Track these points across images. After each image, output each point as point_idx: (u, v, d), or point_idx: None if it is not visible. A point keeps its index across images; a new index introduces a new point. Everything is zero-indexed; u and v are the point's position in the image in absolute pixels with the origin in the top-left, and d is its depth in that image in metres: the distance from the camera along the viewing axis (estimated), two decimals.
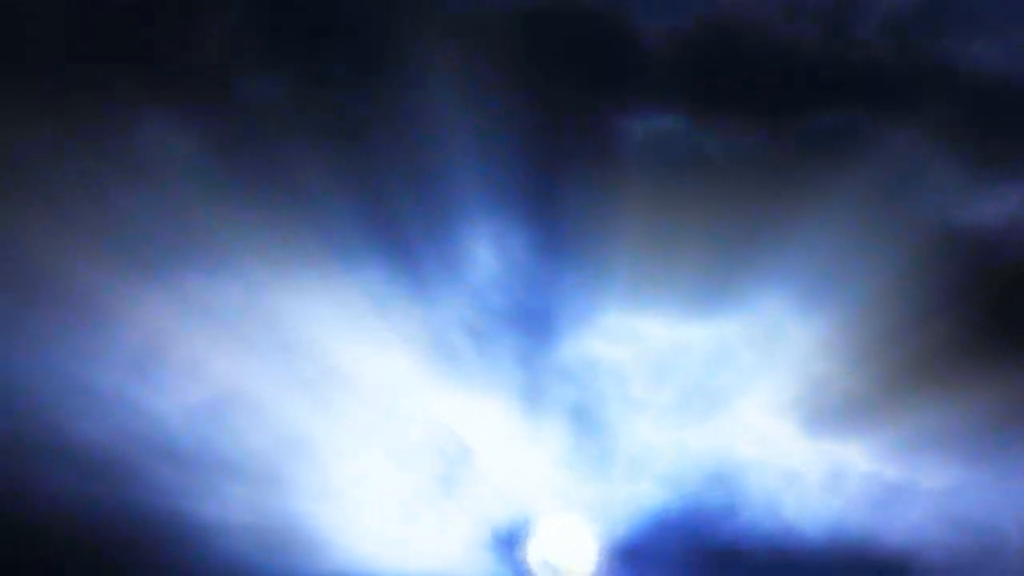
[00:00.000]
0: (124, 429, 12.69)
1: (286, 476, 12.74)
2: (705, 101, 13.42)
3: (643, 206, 12.94)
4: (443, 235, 13.09)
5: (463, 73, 13.29)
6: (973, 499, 12.54)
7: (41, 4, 13.38)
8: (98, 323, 12.76)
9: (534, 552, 12.62)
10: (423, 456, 12.89)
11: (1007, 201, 12.93)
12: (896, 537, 12.52)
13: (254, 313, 12.99)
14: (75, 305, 12.74)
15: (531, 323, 12.90)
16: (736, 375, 12.76)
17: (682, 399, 12.81)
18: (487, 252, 13.06)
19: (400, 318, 12.99)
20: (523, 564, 12.63)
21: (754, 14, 13.69)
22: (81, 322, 12.75)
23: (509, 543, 12.65)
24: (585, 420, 12.79)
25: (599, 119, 13.32)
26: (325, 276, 13.02)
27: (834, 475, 12.65)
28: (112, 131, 13.11)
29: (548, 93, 13.32)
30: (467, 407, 12.90)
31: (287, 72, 13.32)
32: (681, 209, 12.94)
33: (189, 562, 12.54)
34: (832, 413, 12.67)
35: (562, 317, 12.89)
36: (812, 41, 13.56)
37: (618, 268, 12.86)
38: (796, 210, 12.83)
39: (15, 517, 12.43)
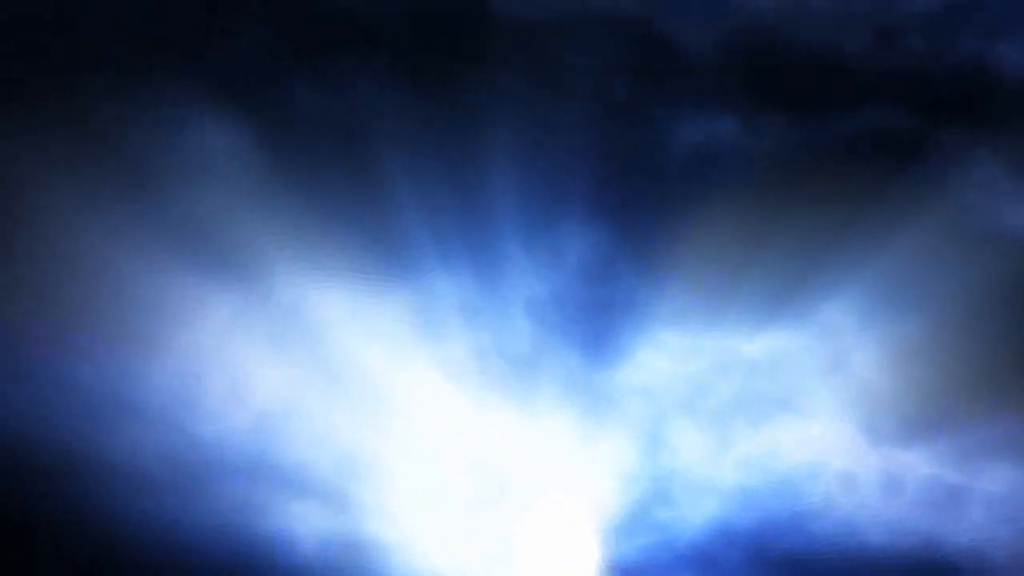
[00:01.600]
0: (180, 446, 12.68)
1: (346, 492, 12.76)
2: (755, 104, 13.43)
3: (701, 217, 12.96)
4: (498, 251, 13.07)
5: (520, 83, 13.28)
6: None
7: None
8: (148, 338, 12.71)
9: (593, 567, 12.68)
10: (480, 474, 12.91)
11: None
12: (957, 539, 12.63)
13: (302, 329, 12.96)
14: (126, 321, 12.70)
15: (589, 339, 12.90)
16: (798, 386, 12.81)
17: (744, 410, 12.85)
18: (544, 267, 13.05)
19: (455, 334, 12.98)
20: None
21: (798, 18, 13.70)
22: (132, 339, 12.71)
23: (568, 560, 12.69)
24: (646, 435, 12.82)
25: (653, 126, 13.32)
26: (377, 292, 13.00)
27: (895, 480, 12.74)
28: (165, 131, 13.02)
29: (603, 101, 13.31)
30: (524, 425, 12.90)
31: (343, 75, 13.25)
32: (739, 219, 12.96)
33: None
34: (892, 420, 12.75)
35: (621, 333, 12.90)
36: (859, 44, 13.58)
37: (679, 282, 12.87)
38: (854, 216, 12.88)
39: (74, 536, 12.41)
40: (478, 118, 13.18)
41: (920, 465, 12.70)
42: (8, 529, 12.22)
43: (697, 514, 12.62)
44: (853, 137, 13.28)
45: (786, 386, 12.83)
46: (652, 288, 12.92)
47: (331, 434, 12.73)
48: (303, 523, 12.55)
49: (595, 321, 12.94)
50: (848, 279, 12.83)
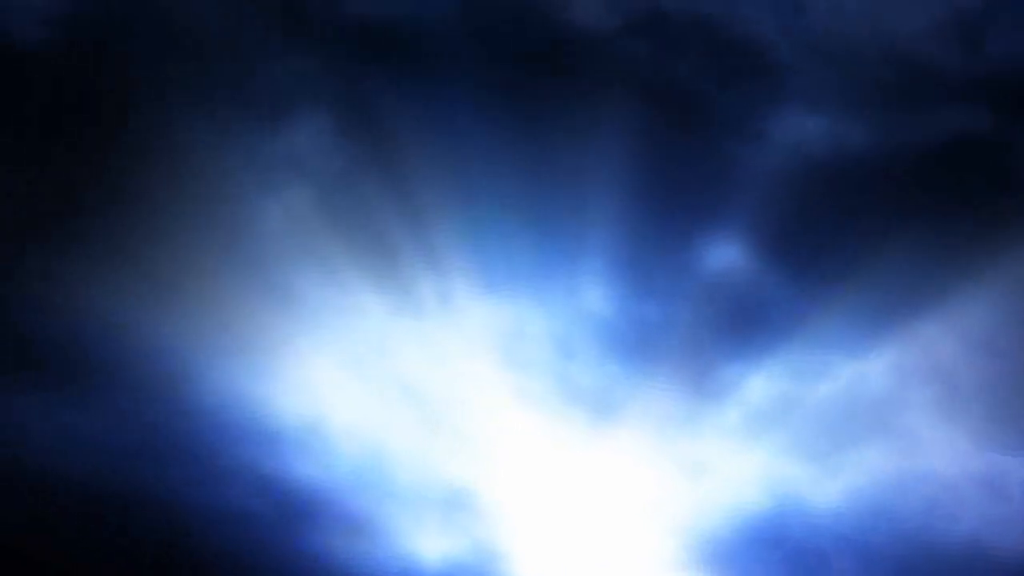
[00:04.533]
0: (298, 475, 12.68)
1: (454, 518, 12.84)
2: (846, 105, 13.49)
3: (799, 237, 13.04)
4: (591, 280, 13.07)
5: (606, 94, 13.27)
6: None
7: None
8: (264, 371, 12.67)
9: None
10: (584, 499, 13.01)
11: None
12: None
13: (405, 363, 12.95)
14: (244, 351, 12.66)
15: (693, 363, 12.94)
16: (908, 402, 12.97)
17: (857, 423, 12.98)
18: (639, 295, 13.06)
19: (551, 365, 13.02)
20: None
21: (882, 22, 13.75)
22: (248, 369, 12.66)
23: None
24: (776, 449, 12.94)
25: (751, 129, 13.35)
26: (474, 323, 13.01)
27: (996, 483, 12.93)
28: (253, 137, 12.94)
29: (696, 106, 13.32)
30: (626, 450, 12.97)
31: (431, 90, 13.17)
32: (836, 231, 13.05)
33: None
34: (994, 424, 12.93)
35: (722, 359, 12.96)
36: (946, 47, 13.64)
37: (782, 303, 12.93)
38: (954, 226, 13.00)
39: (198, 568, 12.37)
40: (568, 135, 13.15)
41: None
42: (117, 554, 12.16)
43: (819, 514, 12.77)
44: (948, 141, 13.35)
45: (897, 400, 12.97)
46: (753, 309, 12.97)
47: (437, 464, 12.79)
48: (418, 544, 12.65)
49: (694, 348, 12.97)
50: (950, 291, 12.95)
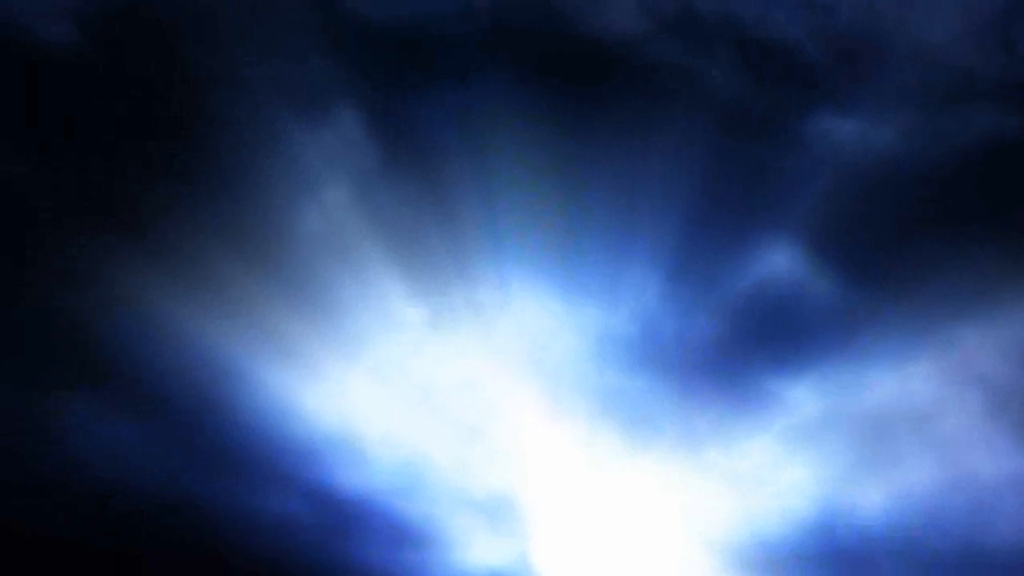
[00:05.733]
0: (335, 488, 12.39)
1: (490, 529, 12.53)
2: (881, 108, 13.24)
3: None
4: (636, 284, 12.84)
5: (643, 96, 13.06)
6: None
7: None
8: (300, 385, 12.41)
9: None
10: (624, 512, 12.72)
11: None
12: None
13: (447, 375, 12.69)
14: (282, 364, 12.42)
15: (729, 380, 12.61)
16: (952, 409, 12.60)
17: (902, 430, 12.68)
18: (679, 305, 12.80)
19: (592, 374, 12.72)
20: None
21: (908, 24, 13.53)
22: (286, 383, 12.41)
23: None
24: (822, 458, 12.55)
25: (792, 129, 13.10)
26: (506, 327, 12.81)
27: None
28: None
29: (731, 110, 13.08)
30: (665, 454, 12.66)
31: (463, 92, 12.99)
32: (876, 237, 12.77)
33: None
34: None
35: (763, 371, 12.62)
36: (981, 50, 13.40)
37: (838, 310, 12.65)
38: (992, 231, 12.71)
39: None
40: (605, 142, 12.91)
41: None
42: (166, 559, 12.01)
43: (858, 536, 12.35)
44: (983, 143, 13.06)
45: (937, 409, 12.58)
46: (798, 319, 12.66)
47: (477, 474, 12.53)
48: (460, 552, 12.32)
49: (737, 358, 12.66)
50: (991, 297, 12.63)
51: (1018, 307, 12.77)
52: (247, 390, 12.19)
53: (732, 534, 12.53)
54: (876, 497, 12.56)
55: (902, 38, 13.43)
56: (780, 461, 12.64)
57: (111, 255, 12.17)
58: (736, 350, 12.72)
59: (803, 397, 12.69)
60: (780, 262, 12.82)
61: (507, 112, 12.89)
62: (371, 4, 12.97)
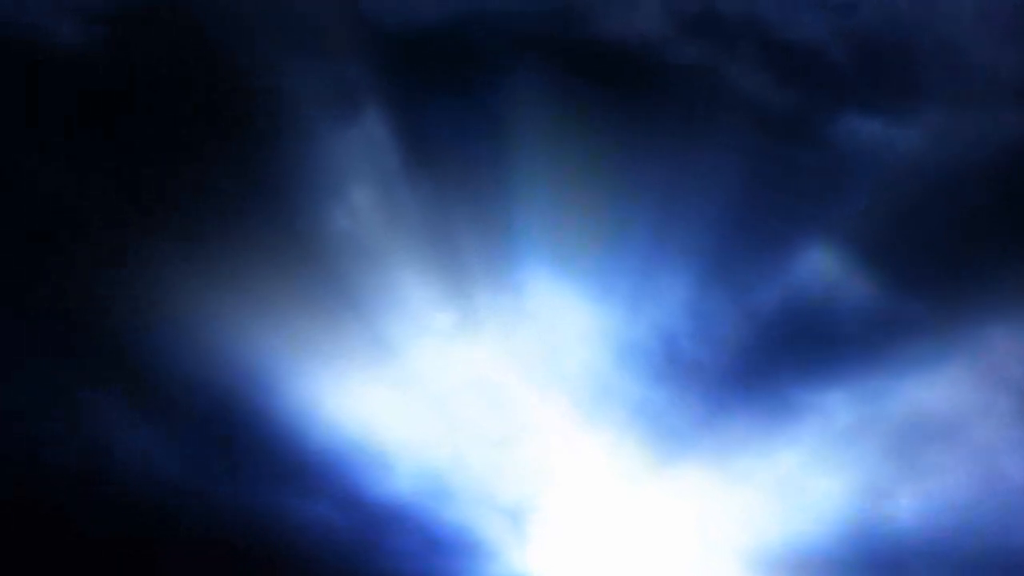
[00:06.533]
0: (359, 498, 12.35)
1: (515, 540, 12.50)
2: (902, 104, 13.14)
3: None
4: (666, 291, 12.74)
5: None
6: None
7: None
8: (317, 397, 12.35)
9: None
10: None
11: None
12: None
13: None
14: (299, 376, 12.37)
15: (771, 392, 12.52)
16: (985, 414, 12.50)
17: (936, 435, 12.61)
18: (710, 311, 12.70)
19: (622, 382, 12.63)
20: None
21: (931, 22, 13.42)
22: (303, 395, 12.37)
23: None
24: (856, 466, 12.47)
25: (819, 130, 12.98)
26: (535, 334, 12.76)
27: None
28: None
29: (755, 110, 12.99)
30: (698, 464, 12.59)
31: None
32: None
33: None
34: None
35: (804, 373, 12.52)
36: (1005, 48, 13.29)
37: (871, 315, 12.55)
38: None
39: None
40: (633, 144, 12.82)
41: None
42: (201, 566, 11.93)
43: (894, 543, 12.26)
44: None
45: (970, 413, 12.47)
46: (830, 325, 12.56)
47: (506, 483, 12.50)
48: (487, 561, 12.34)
49: (764, 369, 12.56)
50: (1019, 302, 12.51)
51: None
52: (275, 394, 12.12)
53: (764, 543, 12.42)
54: (910, 503, 12.45)
55: (929, 37, 13.34)
56: (813, 469, 12.53)
57: (145, 257, 12.16)
58: (767, 357, 12.61)
59: (835, 404, 12.57)
60: (811, 267, 12.71)
61: (535, 115, 12.80)
62: (398, 6, 12.94)
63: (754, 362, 12.66)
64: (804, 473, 12.55)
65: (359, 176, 12.67)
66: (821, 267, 12.72)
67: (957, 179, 13.01)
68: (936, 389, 12.60)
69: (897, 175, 12.99)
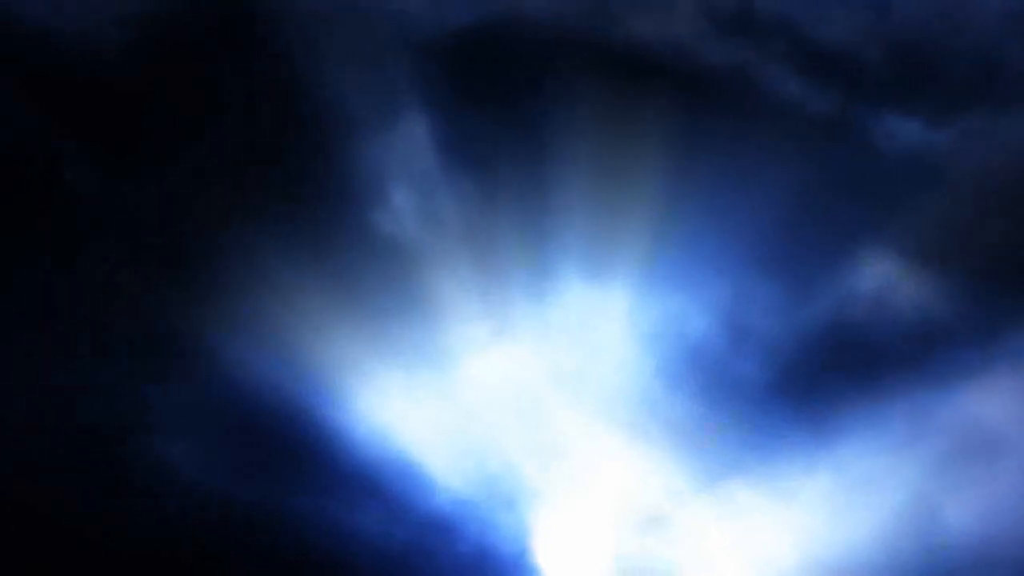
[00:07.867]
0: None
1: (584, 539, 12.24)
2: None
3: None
4: (703, 305, 12.41)
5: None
6: None
7: None
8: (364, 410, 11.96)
9: None
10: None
11: None
12: None
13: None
14: (349, 389, 11.99)
15: (821, 405, 12.23)
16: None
17: (987, 443, 12.36)
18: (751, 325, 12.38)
19: (662, 397, 12.31)
20: None
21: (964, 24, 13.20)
22: (351, 408, 12.00)
23: None
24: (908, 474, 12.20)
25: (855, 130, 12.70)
26: (570, 347, 12.39)
27: None
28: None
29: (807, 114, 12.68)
30: (741, 481, 12.30)
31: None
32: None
33: None
34: None
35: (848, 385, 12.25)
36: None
37: (917, 325, 12.28)
38: None
39: None
40: (668, 147, 12.41)
41: None
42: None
43: (946, 554, 12.04)
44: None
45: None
46: (874, 337, 12.30)
47: (547, 496, 12.09)
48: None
49: (813, 383, 12.26)
50: None
51: None
52: (323, 404, 11.83)
53: (813, 560, 12.13)
54: (961, 515, 12.20)
55: (965, 38, 13.12)
56: (862, 484, 12.25)
57: (194, 269, 11.90)
58: (814, 370, 12.30)
59: (884, 417, 12.29)
60: (860, 276, 12.41)
61: (573, 118, 12.43)
62: (437, 11, 12.47)
63: (801, 375, 12.33)
64: (853, 488, 12.25)
65: (400, 182, 12.25)
66: (870, 276, 12.41)
67: (999, 182, 12.79)
68: (987, 400, 12.37)
69: (939, 178, 12.73)
